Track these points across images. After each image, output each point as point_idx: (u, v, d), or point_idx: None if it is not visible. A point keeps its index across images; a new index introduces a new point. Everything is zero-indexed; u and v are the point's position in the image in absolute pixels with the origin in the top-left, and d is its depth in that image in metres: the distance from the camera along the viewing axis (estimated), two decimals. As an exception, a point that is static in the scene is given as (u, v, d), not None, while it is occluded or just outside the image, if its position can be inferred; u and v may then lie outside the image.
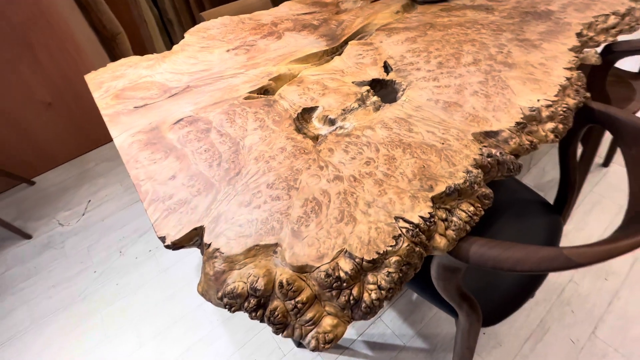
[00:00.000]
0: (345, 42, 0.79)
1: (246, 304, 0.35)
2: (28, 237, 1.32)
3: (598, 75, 0.82)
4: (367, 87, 0.61)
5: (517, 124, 0.49)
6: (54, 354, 0.99)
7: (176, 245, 0.40)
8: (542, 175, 1.32)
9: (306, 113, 0.59)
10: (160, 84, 0.71)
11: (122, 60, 0.83)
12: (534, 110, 0.51)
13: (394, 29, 0.79)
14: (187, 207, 0.44)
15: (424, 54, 0.68)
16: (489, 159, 0.45)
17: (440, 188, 0.41)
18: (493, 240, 0.40)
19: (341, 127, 0.54)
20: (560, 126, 0.52)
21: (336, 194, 0.42)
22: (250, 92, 0.65)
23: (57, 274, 1.21)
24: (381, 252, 0.35)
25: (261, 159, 0.49)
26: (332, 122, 0.56)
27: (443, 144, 0.47)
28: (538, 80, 0.57)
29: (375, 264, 0.36)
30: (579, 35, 0.69)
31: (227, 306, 0.35)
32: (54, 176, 1.63)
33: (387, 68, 0.67)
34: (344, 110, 0.57)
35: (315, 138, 0.55)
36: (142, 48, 1.84)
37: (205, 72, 0.72)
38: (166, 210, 0.44)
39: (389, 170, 0.45)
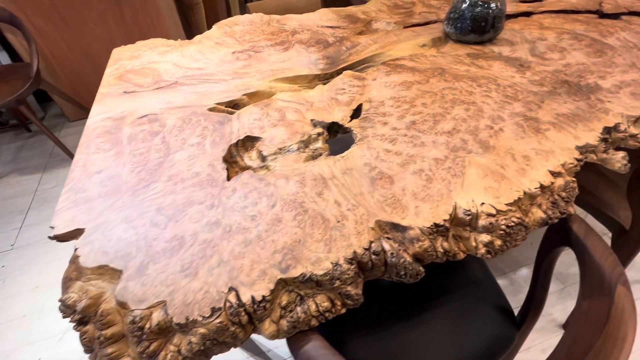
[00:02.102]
0: (343, 70, 0.74)
1: (72, 316, 0.38)
2: None
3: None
4: (320, 130, 0.58)
5: (435, 225, 0.42)
6: None
7: (58, 239, 0.44)
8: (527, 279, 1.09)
9: (249, 141, 0.58)
10: (158, 73, 0.76)
11: (149, 41, 0.91)
12: (468, 215, 0.43)
13: (399, 66, 0.72)
14: (88, 205, 0.48)
15: (405, 107, 0.60)
16: (373, 257, 0.40)
17: (296, 272, 0.38)
18: (328, 346, 0.36)
19: (266, 167, 0.53)
20: (498, 242, 0.43)
21: (202, 241, 0.42)
22: (218, 104, 0.66)
23: None
24: (190, 319, 0.35)
25: (173, 179, 0.51)
26: (263, 158, 0.54)
27: (338, 222, 0.43)
28: (504, 177, 0.47)
29: (183, 328, 0.35)
30: (609, 130, 0.54)
31: (61, 312, 0.39)
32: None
33: (358, 112, 0.62)
34: (280, 149, 0.55)
35: (246, 169, 0.55)
36: (215, 20, 1.97)
37: (199, 71, 0.76)
38: (73, 202, 0.49)
39: (265, 232, 0.42)
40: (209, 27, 1.22)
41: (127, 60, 0.82)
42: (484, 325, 0.60)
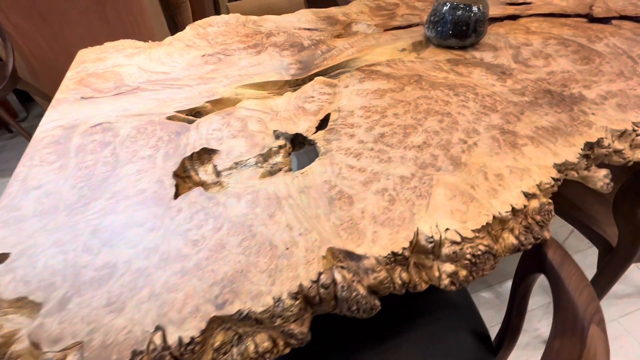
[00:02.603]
0: (316, 75, 0.70)
1: (-18, 356, 0.34)
2: None
3: (628, 199, 0.60)
4: (282, 142, 0.54)
5: (393, 254, 0.38)
6: None
7: (-19, 264, 0.40)
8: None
9: (205, 153, 0.54)
10: (121, 77, 0.72)
11: (117, 42, 0.87)
12: (431, 242, 0.39)
13: (374, 72, 0.68)
14: (19, 225, 0.44)
15: (376, 117, 0.56)
16: (322, 290, 0.36)
17: (232, 308, 0.34)
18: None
19: (219, 184, 0.49)
20: (463, 273, 0.39)
21: (135, 269, 0.38)
22: (179, 112, 0.62)
23: None
24: (107, 364, 0.31)
25: (116, 196, 0.47)
26: (218, 173, 0.50)
27: (287, 249, 0.39)
28: (473, 199, 0.43)
29: (100, 374, 0.31)
30: (591, 146, 0.50)
31: (-28, 349, 0.35)
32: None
33: (326, 122, 0.58)
34: (236, 163, 0.51)
35: (201, 185, 0.51)
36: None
37: (164, 76, 0.71)
38: (3, 222, 0.45)
39: (206, 260, 0.39)
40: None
41: (91, 63, 0.78)
42: (457, 352, 0.56)
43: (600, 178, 0.49)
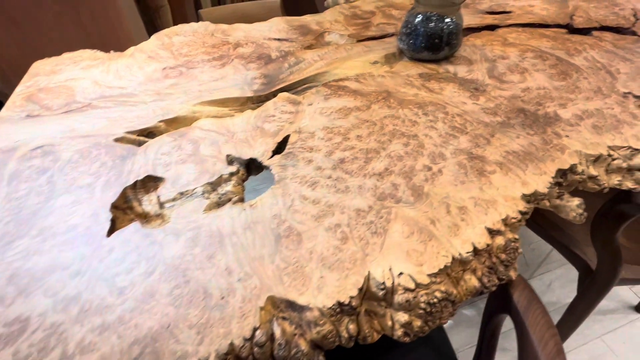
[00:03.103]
0: (281, 91, 0.66)
1: None
2: None
3: (605, 225, 0.57)
4: (234, 169, 0.50)
5: (339, 304, 0.34)
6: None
7: None
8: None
9: (151, 181, 0.50)
10: (73, 92, 0.67)
11: (76, 53, 0.82)
12: (382, 289, 0.35)
13: (342, 88, 0.64)
14: None
15: (337, 140, 0.53)
16: (256, 349, 0.32)
17: (151, 374, 0.30)
18: None
19: (160, 217, 0.45)
20: (418, 323, 0.35)
21: (49, 324, 0.34)
22: (129, 132, 0.58)
23: None
24: None
25: (44, 233, 0.42)
26: (161, 205, 0.46)
27: (222, 298, 0.35)
28: (432, 237, 0.39)
29: None
30: (564, 173, 0.47)
31: None
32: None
33: (283, 145, 0.54)
34: (181, 193, 0.47)
35: (144, 216, 0.47)
36: (183, 23, 1.87)
37: (119, 91, 0.67)
38: None
39: (131, 312, 0.34)
40: None
41: (44, 77, 0.73)
42: (426, 390, 0.53)
43: (573, 208, 0.46)
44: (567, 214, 0.47)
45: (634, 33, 0.77)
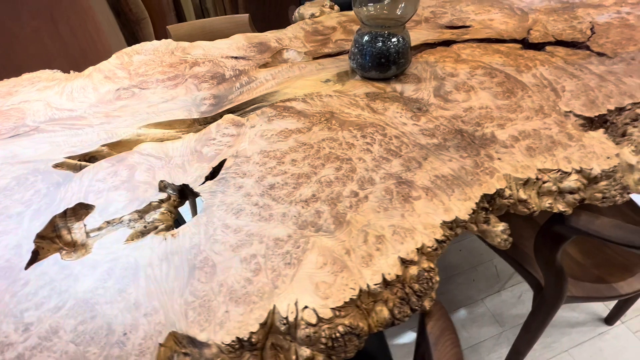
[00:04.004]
0: (228, 112, 0.66)
1: None
2: None
3: (545, 246, 0.56)
4: (165, 196, 0.50)
5: (238, 340, 0.34)
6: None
7: None
8: None
9: (83, 209, 0.50)
10: (24, 115, 0.68)
11: (36, 73, 0.83)
12: (285, 324, 0.35)
13: (287, 109, 0.64)
14: None
15: (272, 164, 0.53)
16: (148, 388, 0.32)
17: (38, 416, 0.30)
18: None
19: (84, 247, 0.45)
20: (320, 358, 0.35)
21: (-51, 363, 0.34)
22: (70, 157, 0.58)
23: None
24: None
25: (-36, 265, 0.43)
26: (87, 234, 0.47)
27: (124, 334, 0.35)
28: (345, 267, 0.39)
29: None
30: (491, 197, 0.47)
31: None
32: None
33: (218, 169, 0.54)
34: (108, 222, 0.47)
35: (72, 245, 0.47)
36: (165, 36, 1.89)
37: (68, 114, 0.67)
38: None
39: (31, 351, 0.34)
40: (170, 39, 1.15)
41: (0, 99, 0.74)
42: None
43: (498, 233, 0.46)
44: (492, 239, 0.46)
45: (587, 47, 0.77)
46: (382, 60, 0.67)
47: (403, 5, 0.64)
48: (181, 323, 0.36)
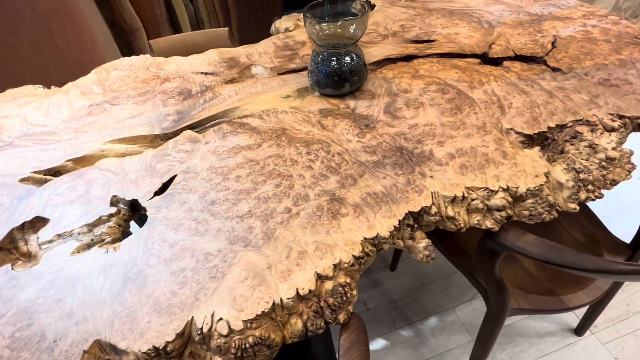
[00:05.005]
0: (189, 128, 0.70)
1: None
2: None
3: (483, 260, 0.58)
4: (116, 210, 0.53)
5: (155, 349, 0.37)
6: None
7: None
8: None
9: (40, 222, 0.54)
10: (1, 131, 0.73)
11: (19, 89, 0.88)
12: (199, 334, 0.38)
13: (242, 125, 0.67)
14: None
15: (217, 180, 0.56)
16: (68, 391, 0.35)
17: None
18: None
19: (35, 258, 0.49)
20: (231, 366, 0.38)
21: None
22: (36, 172, 0.62)
23: None
24: None
25: None
26: (40, 246, 0.50)
27: (54, 341, 0.39)
28: (264, 281, 0.42)
29: None
30: (417, 214, 0.49)
31: None
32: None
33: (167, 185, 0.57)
34: (59, 235, 0.51)
35: (28, 255, 0.51)
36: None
37: (41, 129, 0.72)
38: None
39: (-29, 354, 0.38)
40: (152, 53, 1.20)
41: (-18, 114, 0.79)
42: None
43: (420, 250, 0.48)
44: (416, 255, 0.49)
45: (544, 62, 0.78)
46: (336, 79, 0.69)
47: (354, 26, 0.67)
48: (106, 332, 0.39)
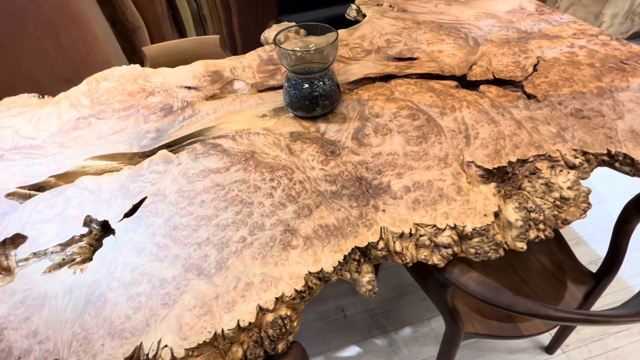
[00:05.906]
0: (166, 147, 0.73)
1: None
2: None
3: (436, 289, 0.60)
4: (88, 230, 0.57)
5: (104, 371, 0.41)
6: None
7: None
8: None
9: (20, 238, 0.58)
10: (-6, 142, 0.77)
11: (14, 98, 0.92)
12: (145, 359, 0.42)
13: (215, 146, 0.70)
14: None
15: (183, 204, 0.59)
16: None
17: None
18: None
19: (12, 275, 0.53)
20: (173, 389, 0.42)
21: None
22: (21, 187, 0.67)
23: None
24: None
25: None
26: (16, 263, 0.55)
27: (19, 358, 0.43)
28: (210, 311, 0.45)
29: None
30: (365, 249, 0.51)
31: None
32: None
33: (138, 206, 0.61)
34: (34, 253, 0.55)
35: (8, 270, 0.55)
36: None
37: (30, 142, 0.76)
38: None
39: (-53, 366, 0.43)
40: (145, 60, 1.23)
41: (-21, 123, 0.84)
42: None
43: (364, 284, 0.50)
44: (359, 288, 0.51)
45: (522, 87, 0.78)
46: (307, 102, 0.71)
47: (325, 53, 0.68)
48: (64, 352, 0.43)
